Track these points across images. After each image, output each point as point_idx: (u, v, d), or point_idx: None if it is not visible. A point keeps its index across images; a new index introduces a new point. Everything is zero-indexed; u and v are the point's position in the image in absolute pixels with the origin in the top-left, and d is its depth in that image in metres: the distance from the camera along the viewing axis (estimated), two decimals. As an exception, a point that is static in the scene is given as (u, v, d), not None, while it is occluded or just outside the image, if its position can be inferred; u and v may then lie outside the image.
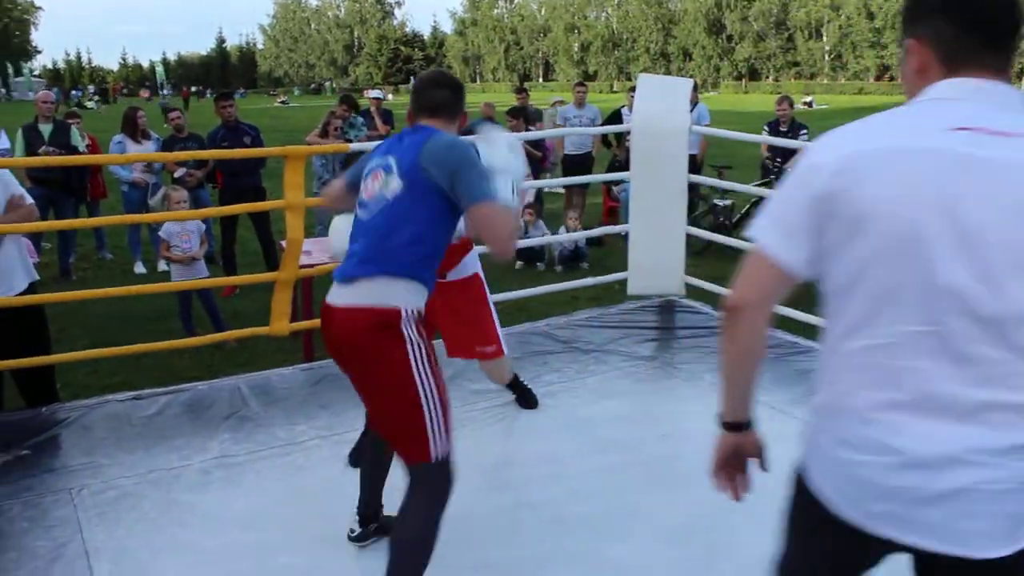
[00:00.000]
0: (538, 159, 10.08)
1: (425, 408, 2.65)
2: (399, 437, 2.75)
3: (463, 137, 2.87)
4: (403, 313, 2.67)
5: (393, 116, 11.24)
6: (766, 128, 9.50)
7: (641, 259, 6.11)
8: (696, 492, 3.62)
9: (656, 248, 6.04)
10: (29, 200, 4.50)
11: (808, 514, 1.77)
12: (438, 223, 2.73)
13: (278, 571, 3.20)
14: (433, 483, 2.72)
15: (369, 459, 3.37)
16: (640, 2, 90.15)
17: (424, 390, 2.65)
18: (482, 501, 3.61)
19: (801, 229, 1.64)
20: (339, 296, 2.74)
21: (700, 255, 8.44)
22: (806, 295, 2.17)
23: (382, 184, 2.74)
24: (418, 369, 2.66)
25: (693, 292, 6.31)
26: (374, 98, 11.24)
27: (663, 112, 5.88)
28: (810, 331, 5.03)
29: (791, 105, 9.53)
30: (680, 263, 6.12)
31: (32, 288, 4.59)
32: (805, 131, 9.20)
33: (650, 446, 4.16)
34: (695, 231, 6.52)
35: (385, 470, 3.32)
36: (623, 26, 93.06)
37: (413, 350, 2.66)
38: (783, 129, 9.25)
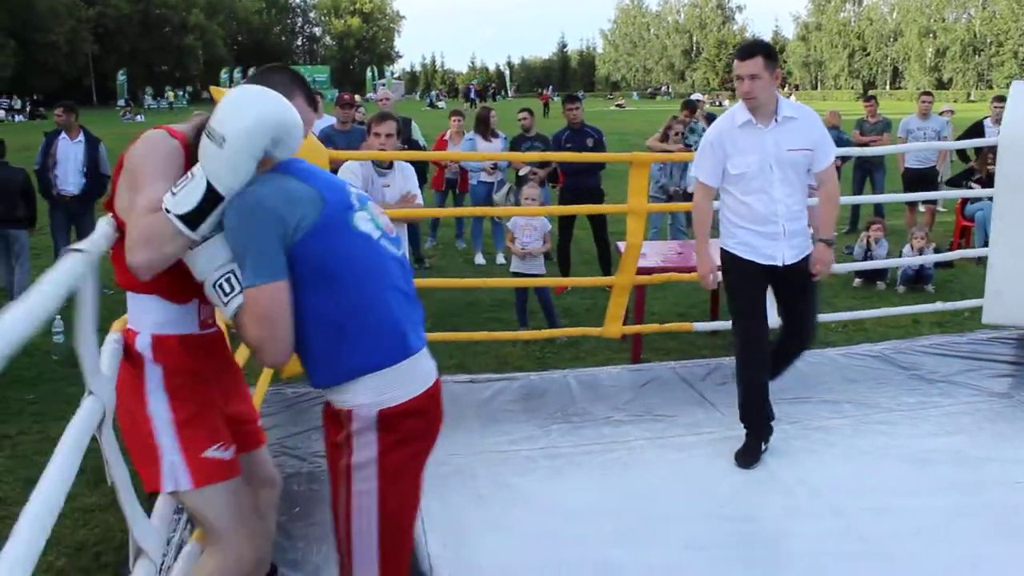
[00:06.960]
0: None
1: None
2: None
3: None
4: None
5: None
6: None
7: (1002, 286, 5.56)
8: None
9: (1021, 275, 5.47)
10: (419, 200, 5.40)
11: None
12: None
13: (602, 565, 3.24)
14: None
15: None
16: (1010, 1, 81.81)
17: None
18: (806, 523, 3.49)
19: None
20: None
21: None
22: None
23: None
24: None
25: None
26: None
27: (1041, 123, 5.33)
28: None
29: None
30: (1050, 294, 5.52)
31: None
32: None
33: (999, 492, 3.77)
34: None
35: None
36: (987, 28, 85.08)
37: None
38: None
